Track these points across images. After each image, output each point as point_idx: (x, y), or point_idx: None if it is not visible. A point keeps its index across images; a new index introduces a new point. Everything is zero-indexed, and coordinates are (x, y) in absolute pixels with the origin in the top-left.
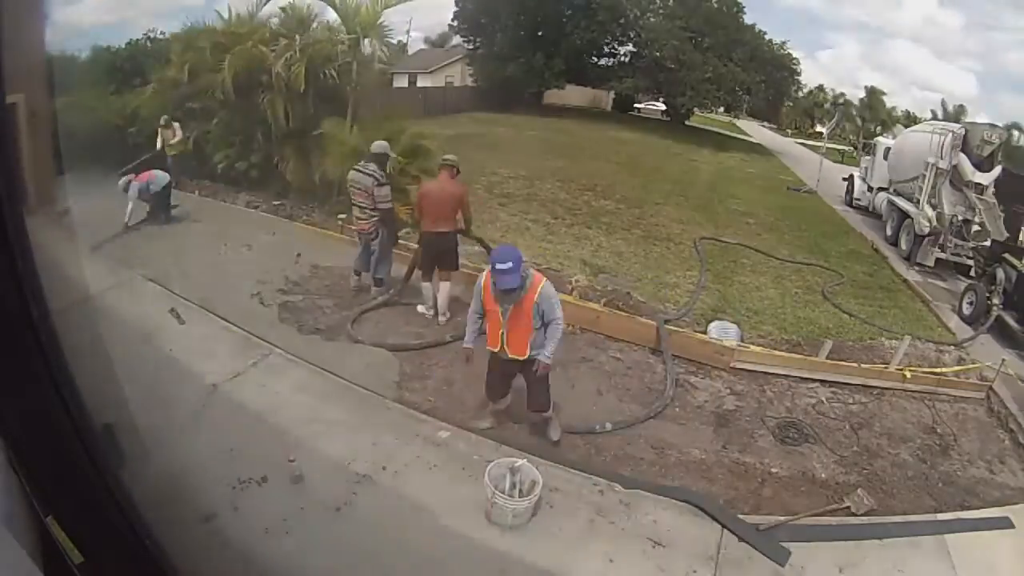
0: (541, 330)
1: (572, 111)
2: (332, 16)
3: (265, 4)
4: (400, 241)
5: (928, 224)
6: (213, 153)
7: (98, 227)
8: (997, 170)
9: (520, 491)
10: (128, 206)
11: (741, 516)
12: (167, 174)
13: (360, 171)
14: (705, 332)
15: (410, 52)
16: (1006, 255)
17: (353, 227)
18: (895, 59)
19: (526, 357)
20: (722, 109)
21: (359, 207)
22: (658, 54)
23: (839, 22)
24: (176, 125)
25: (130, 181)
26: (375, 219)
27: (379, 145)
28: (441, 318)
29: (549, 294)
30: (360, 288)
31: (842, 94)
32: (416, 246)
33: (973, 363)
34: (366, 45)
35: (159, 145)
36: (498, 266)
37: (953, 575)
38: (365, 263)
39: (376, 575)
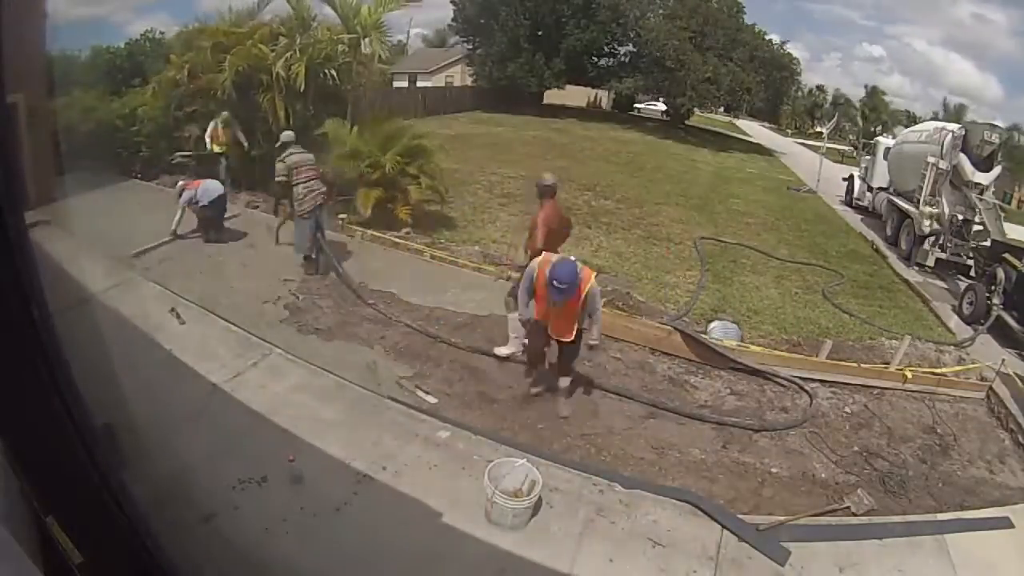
0: (584, 316)
1: (572, 111)
2: (332, 16)
3: (267, 4)
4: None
5: (928, 224)
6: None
7: (123, 231)
8: (997, 170)
9: (520, 491)
10: (177, 213)
11: (741, 516)
12: (220, 185)
13: (303, 152)
14: (706, 332)
15: (410, 52)
16: (1006, 255)
17: (306, 207)
18: (916, 62)
19: (572, 339)
20: (722, 109)
21: (311, 183)
22: (658, 54)
23: (855, 22)
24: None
25: (184, 187)
26: (322, 191)
27: (289, 134)
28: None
29: (595, 293)
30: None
31: (843, 95)
32: None
33: (973, 363)
34: (366, 45)
35: (208, 145)
36: (555, 284)
37: (953, 575)
38: (313, 241)
39: (376, 575)
